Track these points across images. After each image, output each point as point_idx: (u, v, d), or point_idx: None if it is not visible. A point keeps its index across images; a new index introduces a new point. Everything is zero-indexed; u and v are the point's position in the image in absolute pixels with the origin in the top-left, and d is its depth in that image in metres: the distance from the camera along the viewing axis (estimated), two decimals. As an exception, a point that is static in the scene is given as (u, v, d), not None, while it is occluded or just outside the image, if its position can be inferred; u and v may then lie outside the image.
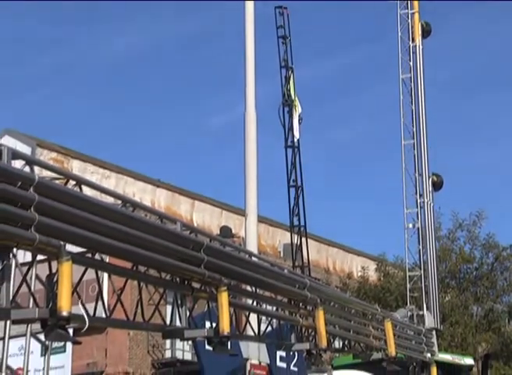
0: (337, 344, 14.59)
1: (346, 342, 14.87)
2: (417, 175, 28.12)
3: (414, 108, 28.98)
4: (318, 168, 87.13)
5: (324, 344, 12.25)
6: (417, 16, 29.46)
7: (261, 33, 19.70)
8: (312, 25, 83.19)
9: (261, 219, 21.21)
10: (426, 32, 29.53)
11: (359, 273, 45.05)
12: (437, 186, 27.89)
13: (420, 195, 27.75)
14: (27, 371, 16.65)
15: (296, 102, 31.69)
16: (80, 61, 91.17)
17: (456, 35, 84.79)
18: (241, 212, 19.99)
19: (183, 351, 33.37)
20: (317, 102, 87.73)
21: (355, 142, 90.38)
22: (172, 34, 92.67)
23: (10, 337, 13.68)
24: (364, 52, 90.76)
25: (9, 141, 29.90)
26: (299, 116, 31.68)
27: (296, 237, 32.24)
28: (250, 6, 19.27)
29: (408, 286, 28.55)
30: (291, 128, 31.57)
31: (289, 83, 31.70)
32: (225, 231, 31.35)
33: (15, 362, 15.92)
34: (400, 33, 29.64)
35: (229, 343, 10.00)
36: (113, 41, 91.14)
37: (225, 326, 9.58)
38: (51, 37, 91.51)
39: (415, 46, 29.40)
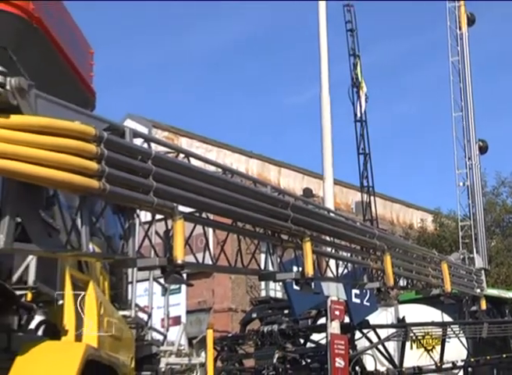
0: (402, 282, 14.50)
1: (409, 281, 14.77)
2: (465, 141, 27.90)
3: (461, 85, 28.73)
4: (382, 137, 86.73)
5: (391, 283, 12.23)
6: (463, 7, 29.11)
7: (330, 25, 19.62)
8: (374, 17, 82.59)
9: (336, 182, 21.16)
10: (471, 21, 29.23)
11: (418, 224, 44.85)
12: (483, 150, 27.71)
13: (468, 158, 27.55)
14: (151, 308, 17.00)
15: (363, 84, 31.64)
16: (185, 53, 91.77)
17: (497, 22, 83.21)
18: (319, 176, 20.00)
19: (275, 290, 33.70)
20: (381, 81, 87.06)
21: (413, 114, 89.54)
22: (258, 28, 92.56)
23: (137, 281, 13.95)
24: (418, 39, 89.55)
25: (130, 124, 30.21)
26: (365, 94, 31.71)
27: (365, 195, 32.27)
28: (323, 4, 19.25)
29: (460, 234, 28.44)
30: (359, 105, 31.60)
31: (356, 68, 31.69)
32: (307, 192, 31.46)
33: (141, 301, 16.22)
34: (448, 23, 29.31)
35: (312, 283, 10.02)
36: (215, 36, 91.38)
37: (310, 270, 9.60)
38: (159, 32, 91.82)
39: (462, 33, 29.08)
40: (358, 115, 31.81)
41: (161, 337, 16.45)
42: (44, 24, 6.62)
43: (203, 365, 15.57)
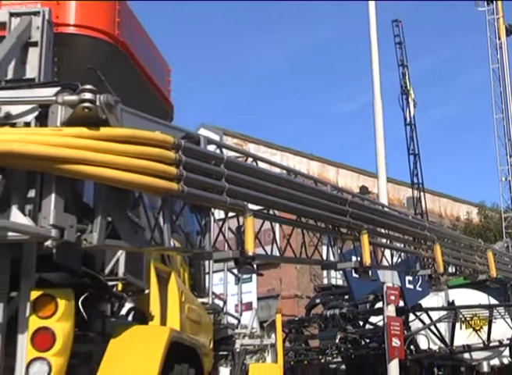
0: (451, 269, 14.33)
1: (457, 268, 14.59)
2: (506, 140, 27.56)
3: (501, 89, 28.36)
4: (430, 138, 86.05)
5: (441, 270, 12.10)
6: (501, 19, 28.74)
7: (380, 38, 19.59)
8: (420, 29, 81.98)
9: (389, 180, 21.04)
10: (509, 31, 28.83)
11: (464, 217, 44.33)
12: (522, 148, 27.30)
13: (510, 156, 27.18)
14: (226, 295, 17.11)
15: (411, 91, 31.47)
16: (249, 67, 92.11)
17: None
18: (374, 175, 19.85)
19: (336, 278, 33.56)
20: (428, 87, 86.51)
21: (457, 116, 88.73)
22: (313, 41, 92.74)
23: (213, 272, 14.02)
24: (460, 48, 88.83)
25: (204, 132, 30.35)
26: (413, 100, 31.55)
27: (415, 191, 32.11)
28: (374, 20, 19.16)
29: (503, 224, 28.11)
30: (408, 110, 31.42)
31: (405, 77, 31.53)
32: (363, 189, 31.19)
33: (217, 290, 16.33)
34: (488, 34, 28.97)
35: (370, 271, 9.97)
36: (275, 49, 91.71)
37: (367, 259, 9.55)
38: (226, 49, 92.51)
39: (501, 43, 28.72)
40: (408, 119, 31.70)
41: (235, 321, 16.54)
42: (127, 47, 6.71)
43: (273, 345, 15.61)
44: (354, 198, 9.74)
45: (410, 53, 43.39)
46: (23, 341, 5.46)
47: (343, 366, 23.36)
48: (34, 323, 5.44)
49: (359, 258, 9.75)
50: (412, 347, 19.91)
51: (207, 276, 12.22)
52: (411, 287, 19.27)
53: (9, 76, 5.70)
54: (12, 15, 5.99)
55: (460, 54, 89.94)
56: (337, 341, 20.28)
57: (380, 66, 19.00)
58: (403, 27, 32.34)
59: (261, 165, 7.74)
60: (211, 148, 6.88)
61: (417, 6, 76.08)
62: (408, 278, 18.79)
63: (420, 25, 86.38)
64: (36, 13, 5.99)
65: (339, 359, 22.31)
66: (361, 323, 21.39)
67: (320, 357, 21.81)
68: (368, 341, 20.95)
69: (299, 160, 40.70)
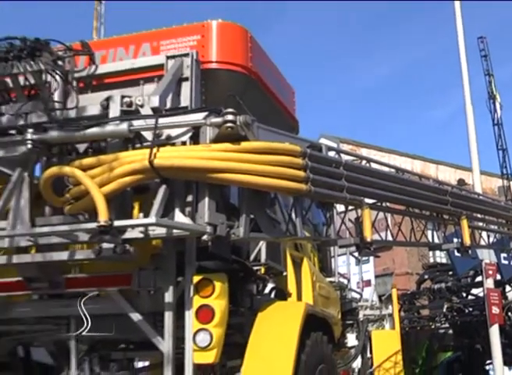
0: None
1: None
2: None
3: None
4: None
5: (531, 246, 11.64)
6: None
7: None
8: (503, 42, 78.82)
9: (482, 172, 20.38)
10: None
11: (550, 201, 42.29)
12: None
13: None
14: (349, 275, 17.09)
15: (497, 96, 30.44)
16: (357, 83, 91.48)
17: None
18: (469, 169, 19.34)
19: (440, 257, 32.69)
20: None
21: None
22: (411, 57, 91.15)
23: (338, 255, 13.99)
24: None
25: (324, 141, 30.27)
26: (500, 104, 30.55)
27: (505, 181, 31.16)
28: (461, 37, 18.72)
29: None
30: (495, 113, 30.47)
31: (491, 84, 30.50)
32: (461, 182, 30.35)
33: (341, 270, 16.31)
34: None
35: (470, 250, 9.66)
36: (380, 65, 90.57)
37: (467, 240, 9.26)
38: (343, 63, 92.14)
39: None
40: (495, 120, 30.80)
41: (358, 296, 16.38)
42: (259, 76, 6.76)
43: (390, 315, 15.37)
44: (453, 189, 9.47)
45: (495, 62, 42.05)
46: (190, 315, 5.59)
47: (450, 331, 22.75)
48: (197, 301, 5.56)
49: (460, 240, 9.48)
50: (510, 314, 19.16)
51: (332, 260, 12.16)
52: (506, 262, 18.60)
53: (168, 105, 5.85)
54: (168, 58, 6.14)
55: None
56: (444, 310, 19.79)
57: (469, 76, 18.64)
58: (487, 42, 31.33)
59: (373, 165, 7.65)
60: (331, 153, 6.85)
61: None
62: (503, 255, 18.13)
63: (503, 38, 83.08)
64: (186, 55, 6.12)
65: (447, 325, 21.76)
66: (464, 295, 20.77)
67: (430, 324, 21.36)
68: (470, 309, 20.32)
69: (404, 160, 40.00)
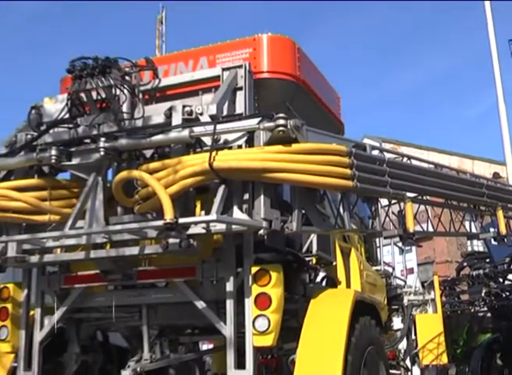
0: None
1: None
2: None
3: None
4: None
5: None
6: None
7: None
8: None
9: (515, 166, 20.06)
10: None
11: None
12: None
13: None
14: (394, 263, 16.91)
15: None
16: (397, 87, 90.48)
17: None
18: (503, 163, 19.01)
19: (478, 246, 31.98)
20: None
21: None
22: (446, 63, 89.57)
23: (383, 246, 13.86)
24: None
25: (367, 141, 30.12)
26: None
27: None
28: (493, 41, 18.36)
29: None
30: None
31: (522, 84, 29.82)
32: (496, 175, 29.69)
33: (386, 259, 16.20)
34: None
35: (506, 239, 9.41)
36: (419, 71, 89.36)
37: (503, 230, 9.07)
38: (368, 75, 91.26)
39: None
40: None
41: (402, 283, 16.19)
42: (307, 84, 6.73)
43: (433, 300, 15.14)
44: (489, 182, 9.26)
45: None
46: (249, 303, 5.59)
47: (489, 314, 22.26)
48: (255, 289, 5.55)
49: (496, 229, 9.28)
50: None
51: (378, 250, 12.04)
52: (543, 249, 18.08)
53: (224, 113, 5.87)
54: (223, 70, 6.16)
55: None
56: (483, 294, 19.31)
57: (501, 75, 18.31)
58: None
59: (413, 162, 7.53)
60: (375, 152, 6.77)
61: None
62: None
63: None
64: (240, 67, 6.13)
65: (485, 309, 21.29)
66: (501, 280, 20.26)
67: (470, 308, 20.90)
68: (507, 293, 19.82)
69: (442, 157, 39.41)
